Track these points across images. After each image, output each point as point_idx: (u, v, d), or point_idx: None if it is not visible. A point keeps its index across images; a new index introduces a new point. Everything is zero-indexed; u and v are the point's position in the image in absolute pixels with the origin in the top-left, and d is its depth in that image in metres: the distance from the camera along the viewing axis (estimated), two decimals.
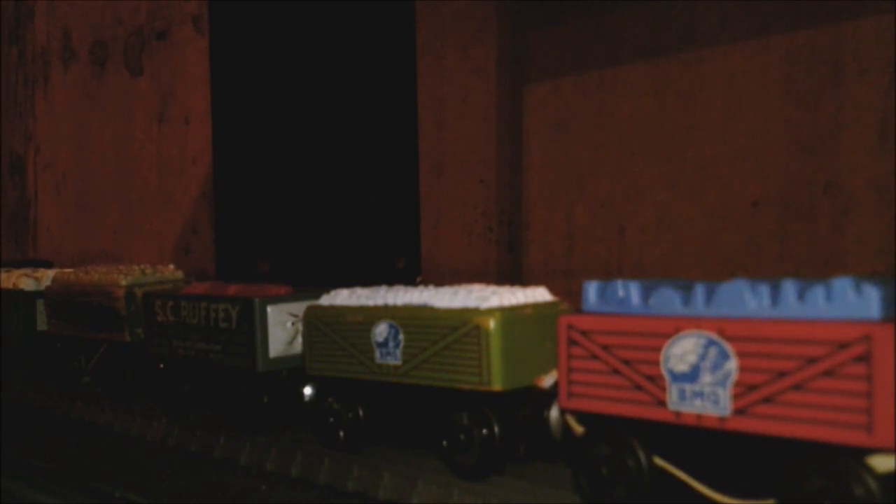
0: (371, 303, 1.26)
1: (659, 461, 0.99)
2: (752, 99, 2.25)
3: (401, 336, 1.21)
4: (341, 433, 1.31)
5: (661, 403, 0.96)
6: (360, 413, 1.30)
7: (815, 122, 2.13)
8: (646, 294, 1.00)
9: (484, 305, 1.14)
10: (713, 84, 2.34)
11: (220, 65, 2.65)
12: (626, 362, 0.99)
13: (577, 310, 1.09)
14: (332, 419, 1.32)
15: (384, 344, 1.22)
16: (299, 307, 1.41)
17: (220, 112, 2.66)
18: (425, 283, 1.40)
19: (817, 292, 0.85)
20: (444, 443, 1.19)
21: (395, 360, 1.22)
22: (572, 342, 1.04)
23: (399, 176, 2.80)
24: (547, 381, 1.14)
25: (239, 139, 2.61)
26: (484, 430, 1.15)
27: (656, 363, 0.96)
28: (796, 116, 2.17)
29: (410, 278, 2.71)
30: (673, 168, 2.43)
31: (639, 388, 0.98)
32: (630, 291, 1.01)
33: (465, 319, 1.14)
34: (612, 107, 2.59)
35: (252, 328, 1.41)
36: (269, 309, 1.41)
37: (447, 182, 2.96)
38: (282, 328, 1.42)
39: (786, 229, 2.18)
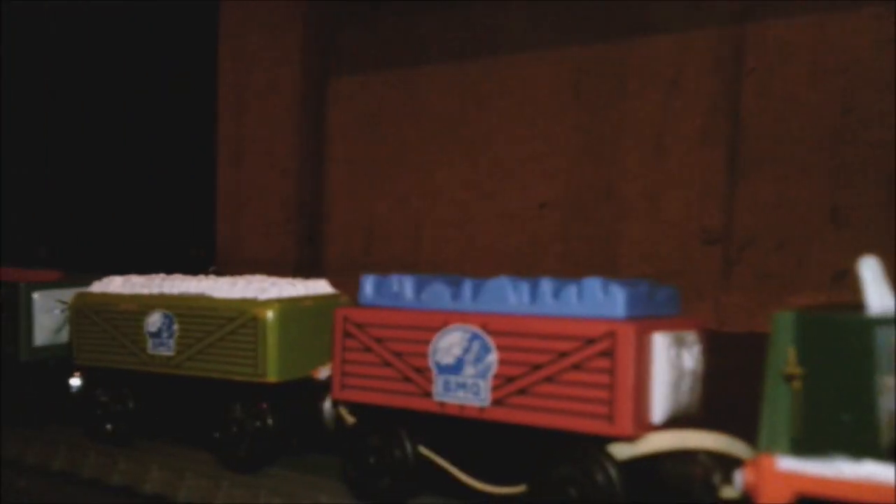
0: (145, 291, 1.22)
1: (424, 450, 1.02)
2: (547, 106, 2.36)
3: (175, 326, 1.18)
4: (109, 425, 1.26)
5: (428, 394, 0.99)
6: (131, 405, 1.25)
7: (599, 131, 2.26)
8: (419, 288, 1.03)
9: (262, 296, 1.14)
10: (511, 90, 2.43)
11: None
12: (398, 355, 1.02)
13: (356, 303, 1.11)
14: (99, 411, 1.27)
15: (157, 334, 1.19)
16: (70, 294, 1.34)
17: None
18: (220, 273, 1.37)
19: (570, 291, 0.91)
20: (216, 435, 1.17)
21: (168, 350, 1.19)
22: (347, 334, 1.06)
23: (195, 163, 2.72)
24: (323, 372, 1.15)
25: (20, 125, 2.45)
26: (257, 423, 1.14)
27: (425, 356, 0.99)
28: (584, 125, 2.29)
29: (206, 269, 2.64)
30: (470, 168, 2.50)
31: (408, 379, 1.01)
32: (404, 286, 1.03)
33: (242, 310, 1.13)
34: (417, 105, 2.63)
35: (16, 315, 1.33)
36: (36, 295, 1.34)
37: (247, 171, 2.90)
38: (49, 315, 1.35)
39: (569, 231, 2.30)
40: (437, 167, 2.57)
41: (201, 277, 1.24)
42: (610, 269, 2.09)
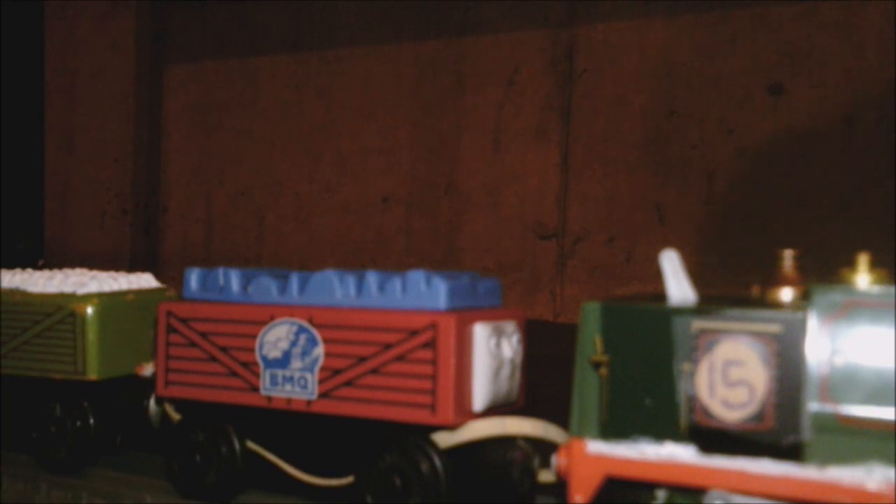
0: None
1: (252, 445, 1.01)
2: (386, 101, 2.37)
3: None
4: None
5: (255, 389, 0.98)
6: None
7: (439, 127, 2.30)
8: (245, 282, 1.01)
9: (81, 291, 1.09)
10: (350, 83, 2.43)
11: None
12: (224, 349, 1.00)
13: (181, 297, 1.08)
14: None
15: None
16: None
17: None
18: (49, 267, 1.31)
19: (395, 284, 0.92)
20: (34, 435, 1.12)
21: None
22: (172, 329, 1.03)
23: (21, 150, 2.58)
24: (148, 369, 1.12)
25: None
26: (78, 422, 1.10)
27: (251, 350, 0.98)
28: (424, 121, 2.32)
29: (33, 262, 2.50)
30: (311, 161, 2.49)
31: (234, 374, 0.99)
32: (230, 279, 1.02)
33: (59, 305, 1.09)
34: (254, 96, 2.59)
35: None
36: None
37: (78, 160, 2.78)
38: None
39: (412, 225, 2.33)
40: (277, 159, 2.54)
41: (17, 271, 1.18)
42: (453, 262, 2.13)
